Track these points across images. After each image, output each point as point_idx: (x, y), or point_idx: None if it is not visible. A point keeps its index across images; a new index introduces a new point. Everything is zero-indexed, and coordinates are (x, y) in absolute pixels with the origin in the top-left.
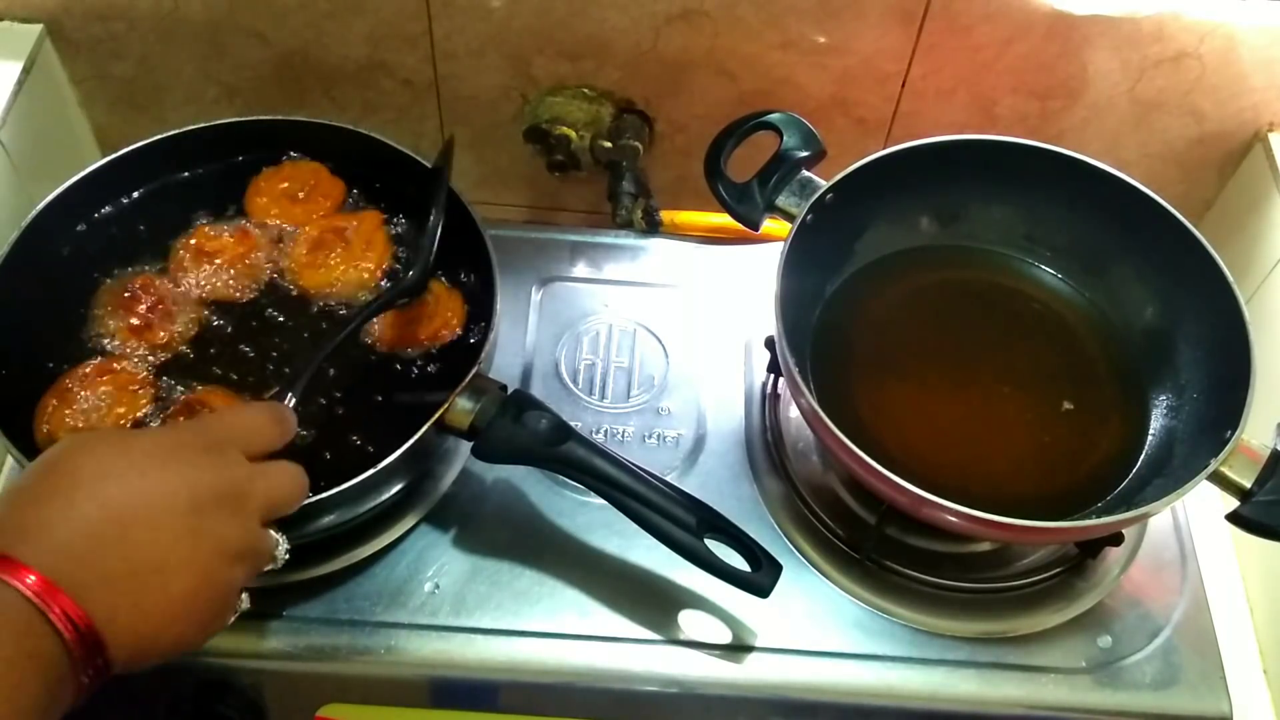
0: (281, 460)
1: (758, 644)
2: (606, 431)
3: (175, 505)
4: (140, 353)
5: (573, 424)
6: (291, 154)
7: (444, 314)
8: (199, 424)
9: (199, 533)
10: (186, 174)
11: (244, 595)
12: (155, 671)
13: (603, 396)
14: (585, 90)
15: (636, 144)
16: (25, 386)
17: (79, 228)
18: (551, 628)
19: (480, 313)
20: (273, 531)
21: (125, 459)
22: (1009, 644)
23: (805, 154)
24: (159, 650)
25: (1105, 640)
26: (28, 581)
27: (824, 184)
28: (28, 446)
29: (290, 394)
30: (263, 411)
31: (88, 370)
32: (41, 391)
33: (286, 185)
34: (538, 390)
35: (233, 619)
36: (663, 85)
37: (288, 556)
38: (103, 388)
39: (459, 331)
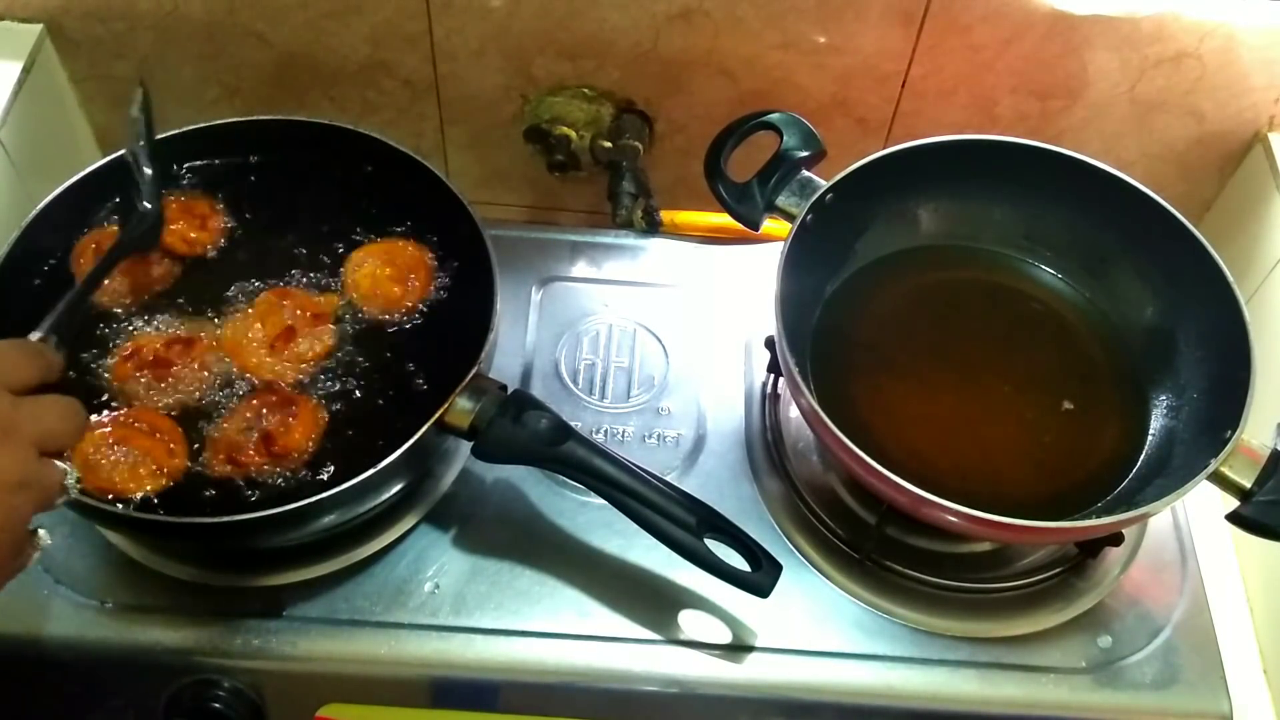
0: (53, 394)
1: (758, 644)
2: (606, 431)
3: None
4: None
5: (573, 424)
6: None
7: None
8: None
9: None
10: (186, 173)
11: (40, 532)
12: (154, 670)
13: (603, 396)
14: (585, 90)
15: (636, 144)
16: None
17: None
18: (551, 628)
19: (479, 307)
20: (58, 462)
21: None
22: (1009, 644)
23: (805, 154)
24: None
25: (1105, 640)
26: None
27: (824, 184)
28: None
29: (38, 331)
30: (13, 348)
31: None
32: None
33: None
34: (538, 390)
35: (35, 557)
36: (663, 85)
37: (79, 485)
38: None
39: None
